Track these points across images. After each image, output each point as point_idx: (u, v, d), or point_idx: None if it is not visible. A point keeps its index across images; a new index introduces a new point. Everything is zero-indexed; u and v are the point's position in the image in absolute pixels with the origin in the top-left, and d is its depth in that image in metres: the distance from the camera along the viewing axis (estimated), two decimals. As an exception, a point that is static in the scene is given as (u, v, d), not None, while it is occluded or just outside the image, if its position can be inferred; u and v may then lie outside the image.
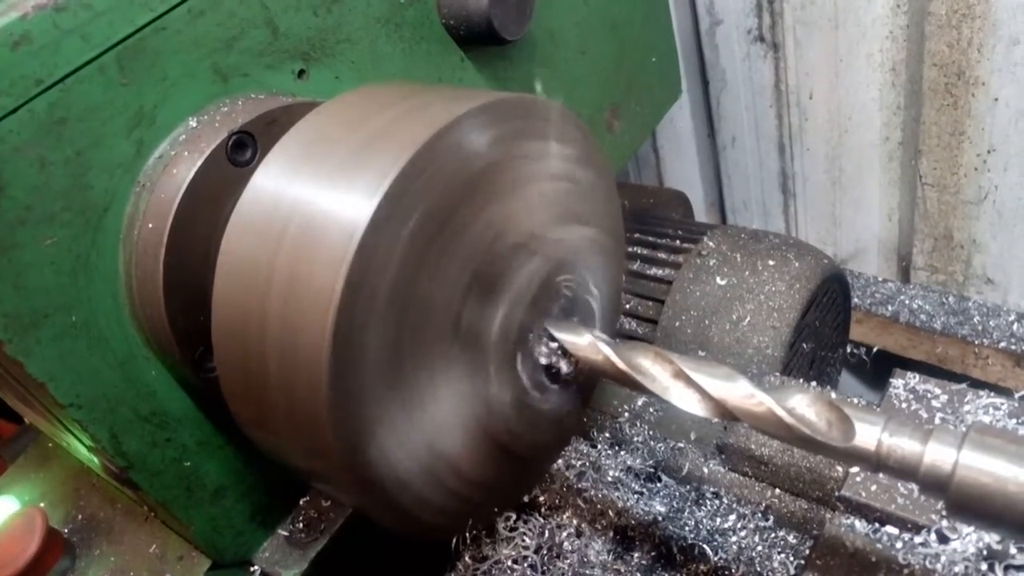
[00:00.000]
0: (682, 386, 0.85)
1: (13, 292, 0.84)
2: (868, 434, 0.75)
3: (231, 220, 0.84)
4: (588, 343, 0.93)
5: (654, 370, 0.88)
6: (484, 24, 1.18)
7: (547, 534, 1.13)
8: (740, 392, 0.80)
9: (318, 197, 0.79)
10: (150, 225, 0.91)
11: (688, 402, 0.84)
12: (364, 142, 0.81)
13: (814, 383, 1.26)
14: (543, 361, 0.97)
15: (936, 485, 0.72)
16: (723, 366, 0.83)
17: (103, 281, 0.92)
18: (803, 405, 0.78)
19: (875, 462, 0.75)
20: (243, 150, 0.95)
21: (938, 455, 0.71)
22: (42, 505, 1.23)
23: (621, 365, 0.89)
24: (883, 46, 2.01)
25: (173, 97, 0.93)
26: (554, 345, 0.96)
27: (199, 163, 0.91)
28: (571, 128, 0.97)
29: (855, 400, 1.10)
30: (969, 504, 0.70)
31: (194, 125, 0.94)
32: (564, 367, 0.98)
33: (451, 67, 1.26)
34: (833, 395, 1.16)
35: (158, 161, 0.92)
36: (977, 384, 1.08)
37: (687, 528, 1.13)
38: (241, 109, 0.96)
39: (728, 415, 0.81)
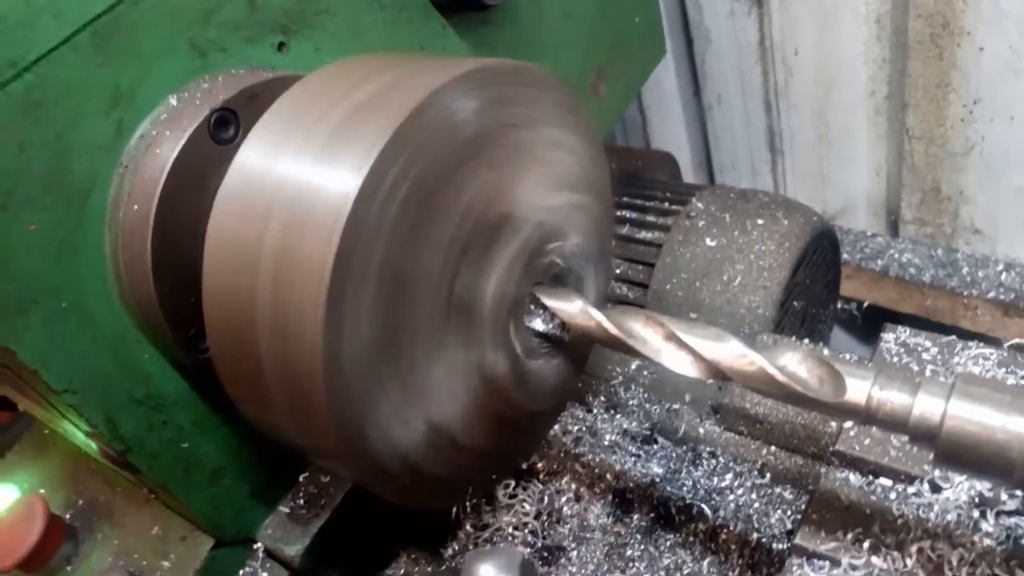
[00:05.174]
0: (674, 348, 0.86)
1: (-1, 277, 0.83)
2: (858, 389, 0.76)
3: (217, 199, 0.83)
4: (579, 310, 0.93)
5: (646, 333, 0.88)
6: (465, -11, 1.16)
7: (546, 500, 1.14)
8: (732, 352, 0.81)
9: (304, 172, 0.78)
10: (135, 207, 0.90)
11: (681, 364, 0.85)
12: (349, 114, 0.80)
13: (807, 340, 1.26)
14: (536, 328, 0.97)
15: (926, 436, 0.73)
16: (714, 327, 0.84)
17: (90, 264, 0.91)
18: (794, 363, 0.79)
19: (865, 416, 0.76)
20: (226, 127, 0.93)
21: (927, 406, 0.72)
22: (42, 491, 1.23)
23: (613, 330, 0.89)
24: (868, -1, 1.99)
25: (151, 75, 0.91)
26: (546, 312, 0.96)
27: (182, 142, 0.90)
28: (557, 93, 0.96)
29: (846, 356, 1.10)
30: (958, 453, 0.71)
31: (174, 103, 0.93)
32: (556, 334, 0.98)
33: (433, 35, 1.24)
34: (824, 352, 1.17)
35: (140, 141, 0.91)
36: (967, 335, 1.08)
37: (685, 488, 1.14)
38: (222, 85, 0.95)
39: (721, 375, 0.82)
